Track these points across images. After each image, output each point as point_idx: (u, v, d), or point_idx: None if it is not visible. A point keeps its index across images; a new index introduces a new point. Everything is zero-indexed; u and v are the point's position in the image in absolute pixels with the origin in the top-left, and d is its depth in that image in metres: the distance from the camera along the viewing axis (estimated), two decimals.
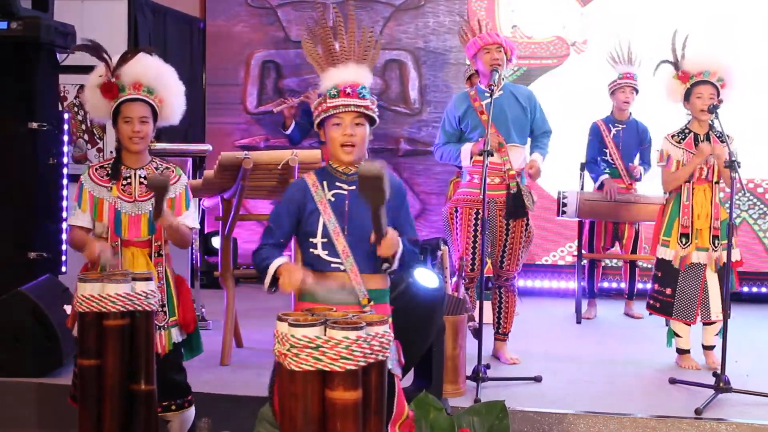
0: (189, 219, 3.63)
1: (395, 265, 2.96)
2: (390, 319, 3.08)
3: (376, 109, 3.08)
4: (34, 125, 5.18)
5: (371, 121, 3.08)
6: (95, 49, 3.62)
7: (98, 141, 6.58)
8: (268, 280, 2.96)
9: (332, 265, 2.98)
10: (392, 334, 2.95)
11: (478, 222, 4.93)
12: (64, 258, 5.47)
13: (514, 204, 4.89)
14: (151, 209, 3.52)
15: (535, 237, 5.16)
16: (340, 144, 3.01)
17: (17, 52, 5.14)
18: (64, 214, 5.48)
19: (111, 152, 6.56)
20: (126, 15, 6.56)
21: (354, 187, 3.01)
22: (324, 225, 2.99)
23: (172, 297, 3.64)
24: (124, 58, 3.55)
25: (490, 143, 4.62)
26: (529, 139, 5.10)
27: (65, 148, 5.53)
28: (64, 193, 5.49)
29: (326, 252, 2.99)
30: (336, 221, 3.00)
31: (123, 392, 3.12)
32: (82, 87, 6.52)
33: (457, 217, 5.01)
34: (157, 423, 3.27)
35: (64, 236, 5.46)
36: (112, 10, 6.53)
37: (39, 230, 5.27)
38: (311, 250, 3.02)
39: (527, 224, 5.00)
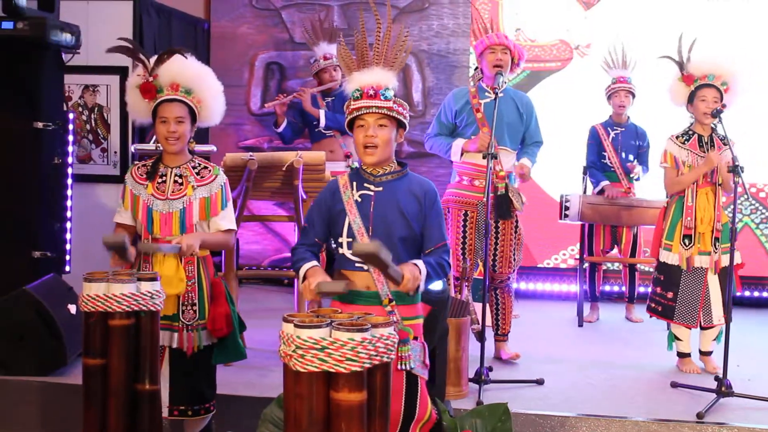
0: (224, 220, 3.65)
1: (421, 290, 3.05)
2: (420, 320, 3.13)
3: (404, 111, 3.12)
4: (39, 125, 5.20)
5: (400, 123, 3.12)
6: (132, 52, 3.65)
7: (103, 141, 6.58)
8: (300, 283, 3.05)
9: (356, 264, 3.04)
10: (411, 334, 3.02)
11: (467, 223, 4.97)
12: (68, 257, 5.48)
13: (501, 205, 4.90)
14: (181, 207, 3.55)
15: (537, 240, 5.17)
16: (363, 145, 3.07)
17: (23, 52, 5.15)
18: (69, 214, 5.50)
19: (115, 152, 6.58)
20: (131, 15, 6.56)
21: (381, 189, 3.09)
22: (349, 225, 3.05)
23: (204, 299, 3.62)
24: (161, 59, 3.58)
25: (486, 145, 4.65)
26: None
27: (70, 148, 5.55)
28: (69, 192, 5.51)
29: (351, 251, 3.04)
30: (361, 221, 3.05)
31: (127, 392, 3.13)
32: (87, 87, 6.54)
33: (448, 217, 5.03)
34: (161, 423, 3.28)
35: (68, 235, 5.48)
36: (118, 10, 6.53)
37: (43, 229, 5.27)
38: (338, 249, 3.10)
39: (516, 225, 5.02)
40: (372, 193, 3.10)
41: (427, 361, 3.14)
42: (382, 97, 3.05)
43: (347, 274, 3.07)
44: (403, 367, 3.03)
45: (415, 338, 3.10)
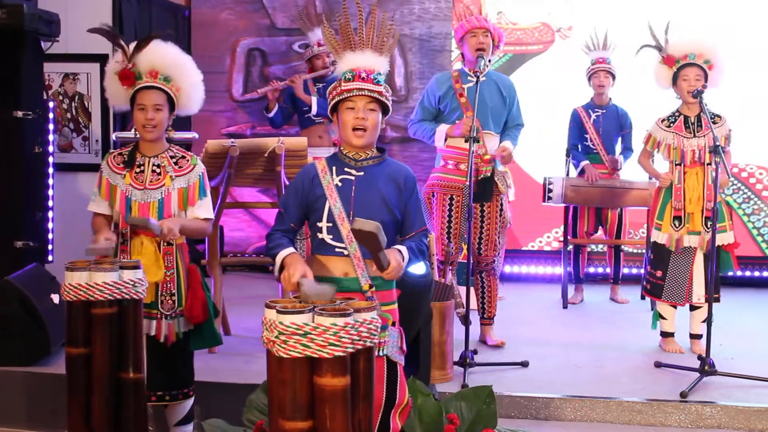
0: (202, 209, 3.63)
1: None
2: (395, 305, 3.13)
3: (390, 99, 3.13)
4: (19, 114, 5.14)
5: (384, 109, 3.12)
6: (111, 36, 3.61)
7: (84, 129, 6.54)
8: (276, 270, 3.03)
9: (336, 249, 3.04)
10: (389, 319, 3.02)
11: (453, 207, 4.97)
12: (50, 247, 5.45)
13: (483, 188, 4.90)
14: (160, 198, 3.54)
15: (521, 223, 5.19)
16: (352, 127, 3.06)
17: (1, 40, 5.09)
18: (50, 203, 5.47)
19: (96, 141, 6.54)
20: (110, 3, 6.50)
21: (362, 173, 3.08)
22: (329, 210, 3.04)
23: (181, 287, 3.62)
24: (140, 46, 3.55)
25: (471, 129, 4.65)
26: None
27: (51, 137, 5.51)
28: (50, 181, 5.47)
29: (331, 236, 3.05)
30: (342, 206, 3.04)
31: (111, 380, 3.12)
32: (67, 75, 6.49)
33: (433, 201, 5.03)
34: (146, 411, 3.27)
35: (50, 225, 5.45)
36: None
37: (25, 219, 5.23)
38: (318, 234, 3.08)
39: (501, 208, 5.03)
40: (353, 178, 3.09)
41: (404, 347, 3.13)
42: (374, 81, 3.06)
43: (325, 259, 3.05)
44: (381, 353, 3.03)
45: (393, 324, 3.10)
